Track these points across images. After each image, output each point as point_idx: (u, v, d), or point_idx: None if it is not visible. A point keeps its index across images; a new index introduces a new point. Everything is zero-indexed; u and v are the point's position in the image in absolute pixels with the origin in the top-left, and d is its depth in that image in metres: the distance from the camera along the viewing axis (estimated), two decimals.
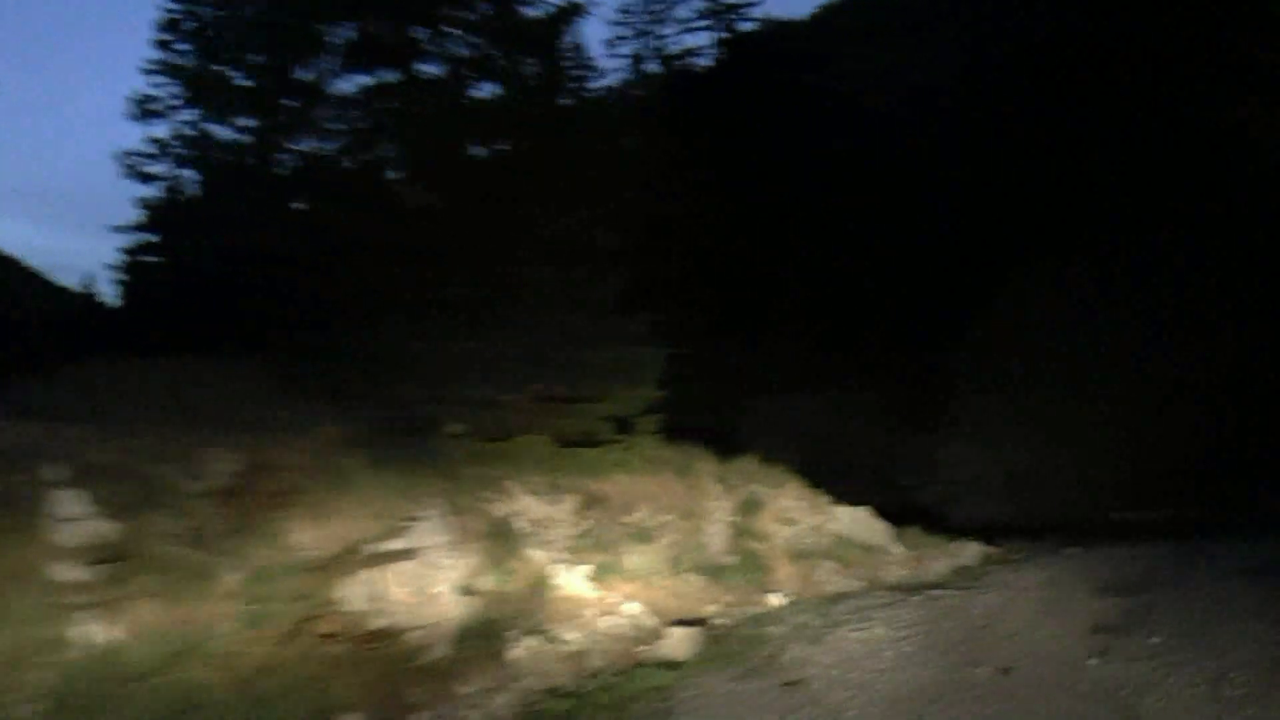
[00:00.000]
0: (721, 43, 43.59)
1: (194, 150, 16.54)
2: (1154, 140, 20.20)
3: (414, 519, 9.01)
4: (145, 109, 16.06)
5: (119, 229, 16.52)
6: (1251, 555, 12.34)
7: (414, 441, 10.32)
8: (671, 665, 9.56)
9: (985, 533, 17.25)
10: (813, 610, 11.34)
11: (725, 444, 14.11)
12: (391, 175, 13.03)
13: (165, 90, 15.31)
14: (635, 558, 11.67)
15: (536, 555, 11.01)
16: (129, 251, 17.03)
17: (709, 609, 11.32)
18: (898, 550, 14.12)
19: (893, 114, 30.47)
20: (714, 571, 12.01)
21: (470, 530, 9.96)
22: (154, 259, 17.50)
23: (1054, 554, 14.22)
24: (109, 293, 20.95)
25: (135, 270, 17.96)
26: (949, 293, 24.61)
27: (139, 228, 16.27)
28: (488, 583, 10.00)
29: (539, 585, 10.54)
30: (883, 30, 36.54)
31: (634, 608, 10.85)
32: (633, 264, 12.40)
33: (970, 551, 14.59)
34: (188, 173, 16.53)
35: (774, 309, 29.08)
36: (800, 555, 13.11)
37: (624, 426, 12.19)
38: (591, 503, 11.90)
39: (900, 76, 30.82)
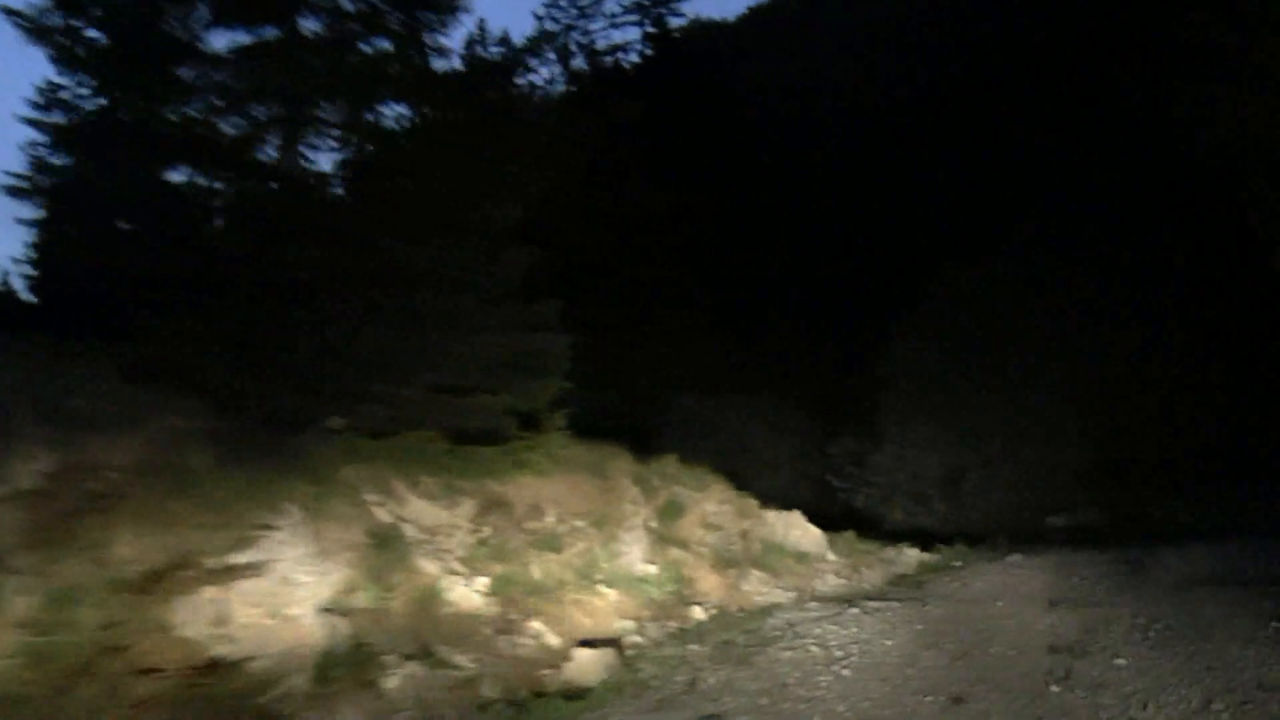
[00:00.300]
0: (648, 38, 42.87)
1: (65, 119, 14.92)
2: (1090, 130, 19.52)
3: (268, 527, 7.50)
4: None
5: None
6: (1204, 562, 11.45)
7: (280, 437, 8.80)
8: (577, 694, 8.22)
9: (922, 537, 16.27)
10: (740, 625, 10.11)
11: (646, 443, 12.86)
12: (271, 142, 11.43)
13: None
14: (541, 568, 10.28)
15: (426, 567, 9.57)
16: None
17: (624, 625, 9.99)
18: (832, 557, 12.99)
19: (819, 113, 29.87)
20: (631, 583, 10.69)
21: (342, 540, 8.48)
22: (43, 243, 16.11)
23: (996, 561, 13.23)
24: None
25: (35, 259, 16.70)
26: (881, 290, 23.77)
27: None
28: (363, 600, 8.54)
29: (427, 601, 9.10)
30: (809, 30, 36.10)
31: (538, 625, 9.48)
32: (542, 247, 10.98)
33: (908, 558, 13.54)
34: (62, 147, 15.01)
35: (702, 306, 28.04)
36: (727, 563, 11.87)
37: (529, 423, 10.81)
38: (492, 507, 10.50)
39: (826, 75, 30.31)
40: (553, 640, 9.28)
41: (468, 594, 9.47)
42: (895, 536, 15.77)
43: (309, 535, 7.89)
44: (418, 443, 9.98)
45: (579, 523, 10.92)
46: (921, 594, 11.20)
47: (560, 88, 46.63)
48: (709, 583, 11.44)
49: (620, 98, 41.57)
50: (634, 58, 44.94)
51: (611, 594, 10.36)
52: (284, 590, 7.43)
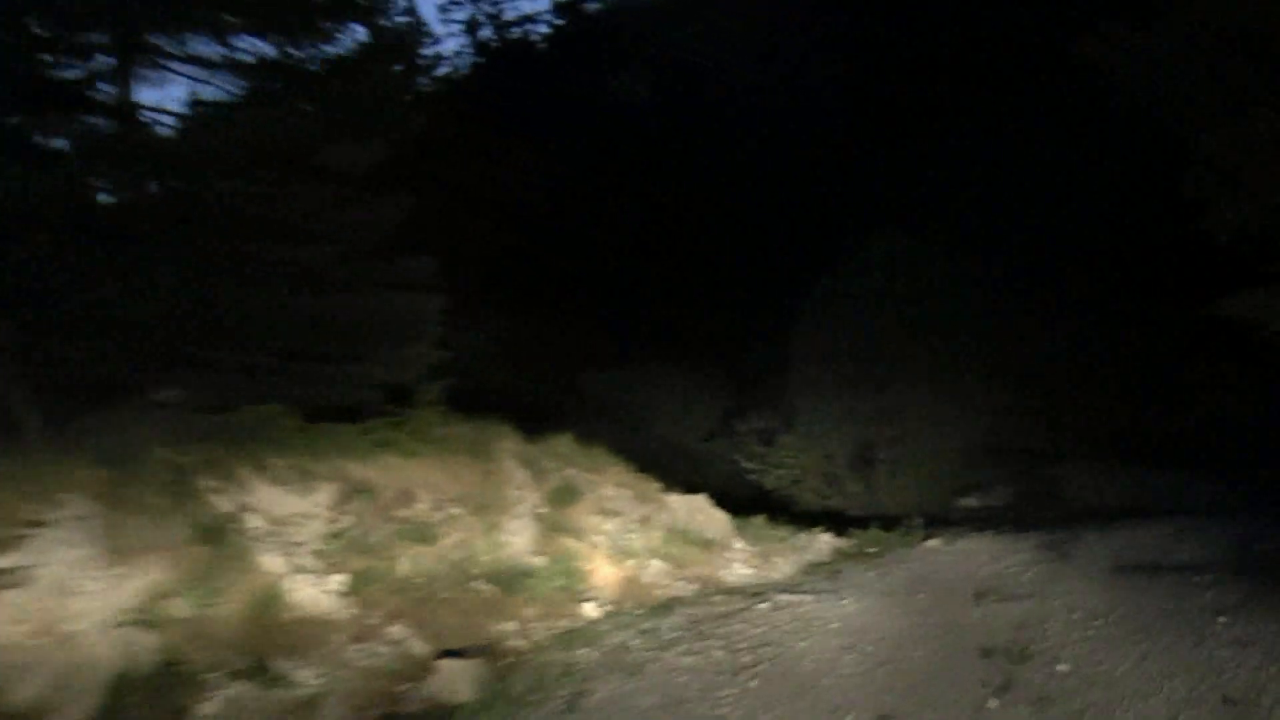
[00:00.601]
0: (557, 8, 41.43)
1: None
2: (1002, 93, 18.76)
3: (37, 524, 5.93)
4: None
5: None
6: (1131, 546, 10.67)
7: (77, 412, 7.19)
8: (438, 713, 6.90)
9: (835, 521, 15.33)
10: (637, 624, 8.88)
11: (537, 422, 11.52)
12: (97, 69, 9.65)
13: None
14: (410, 563, 8.87)
15: (270, 564, 8.07)
16: None
17: (504, 627, 8.66)
18: (739, 545, 11.86)
19: (731, 85, 28.94)
20: (514, 577, 9.35)
21: (152, 537, 6.94)
22: None
23: (913, 547, 12.29)
24: None
25: None
26: (792, 263, 22.85)
27: None
28: (181, 608, 7.02)
29: (266, 606, 7.62)
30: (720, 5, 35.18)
31: (401, 630, 8.10)
32: (416, 195, 9.48)
33: (820, 545, 12.52)
34: None
35: (603, 278, 26.80)
36: (625, 553, 10.62)
37: (400, 397, 9.35)
38: (354, 493, 9.03)
39: (736, 51, 29.42)
40: (417, 648, 7.91)
41: (318, 595, 8.03)
42: (807, 520, 14.78)
43: (98, 533, 6.33)
44: (266, 419, 8.43)
45: (456, 510, 9.53)
46: (837, 585, 10.15)
47: (469, 59, 44.97)
48: (604, 575, 10.17)
49: (528, 69, 40.22)
50: (544, 29, 43.59)
51: (492, 590, 9.01)
52: (59, 601, 5.88)
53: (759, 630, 8.44)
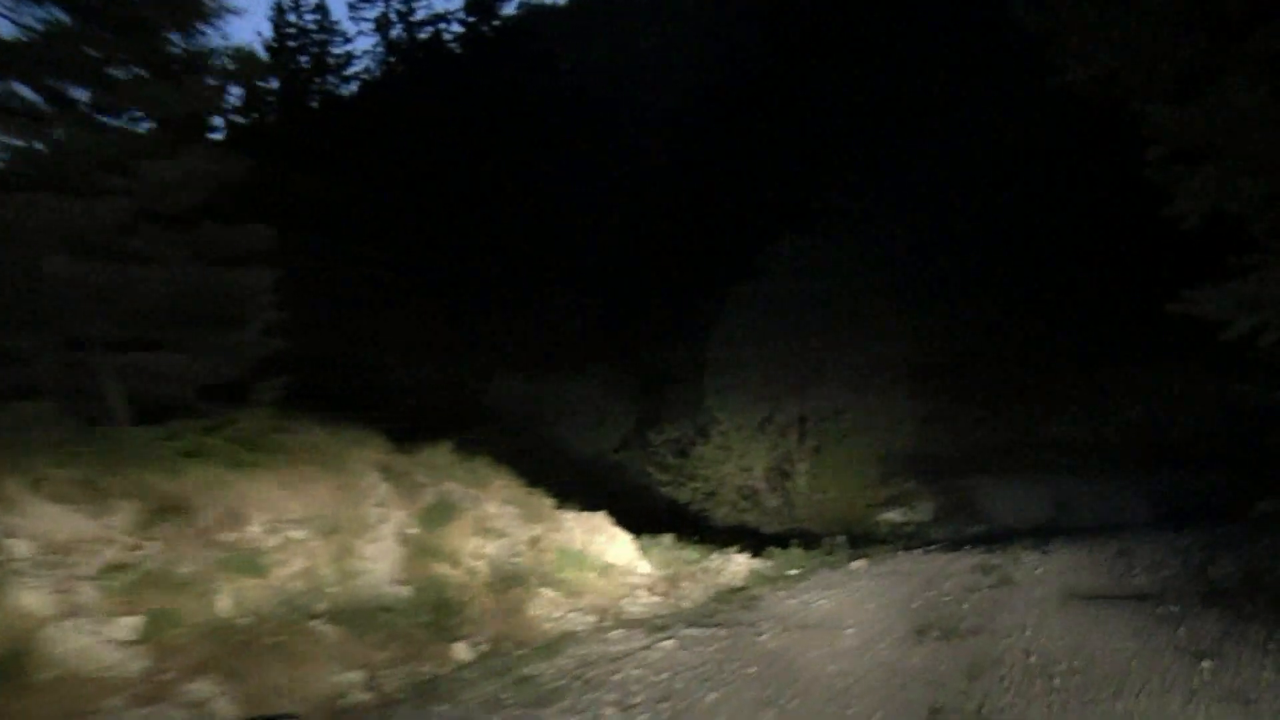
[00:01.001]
0: (469, 8, 40.09)
1: None
2: (939, 74, 17.75)
3: None
4: None
5: None
6: (1078, 569, 9.46)
7: None
8: None
9: (751, 539, 13.92)
10: (516, 669, 7.24)
11: (410, 428, 9.80)
12: None
13: None
14: (231, 600, 7.07)
15: (35, 604, 6.21)
16: None
17: (346, 678, 6.92)
18: (645, 569, 10.31)
19: (640, 91, 27.92)
20: (368, 614, 7.62)
21: None
22: None
23: (837, 569, 10.92)
24: None
25: None
26: (709, 269, 21.56)
27: None
28: None
29: (15, 662, 5.77)
30: (632, 15, 34.26)
31: (206, 688, 6.29)
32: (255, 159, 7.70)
33: (736, 567, 11.05)
34: None
35: (515, 280, 25.19)
36: (510, 581, 8.96)
37: (223, 395, 7.55)
38: (166, 513, 7.18)
39: (645, 61, 28.53)
40: (223, 710, 6.13)
41: (94, 645, 6.18)
42: (722, 538, 13.32)
43: None
44: (37, 419, 6.55)
45: (298, 533, 7.75)
46: (754, 616, 8.67)
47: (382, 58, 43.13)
48: (483, 607, 8.49)
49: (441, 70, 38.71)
50: (456, 27, 41.97)
51: (335, 632, 7.26)
52: None
53: (660, 678, 6.88)
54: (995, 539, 12.50)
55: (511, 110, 32.96)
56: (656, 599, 9.61)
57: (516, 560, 9.25)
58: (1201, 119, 7.83)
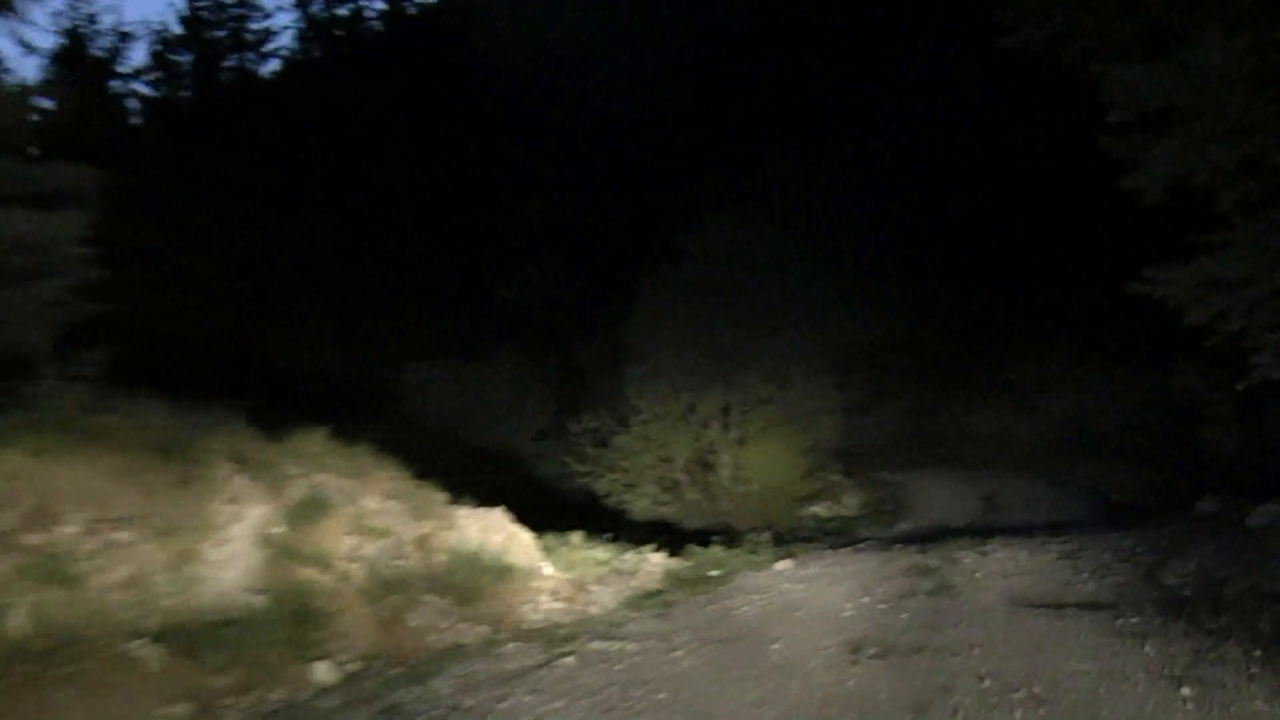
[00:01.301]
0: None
1: None
2: (861, 64, 16.86)
3: None
4: None
5: None
6: (1021, 573, 8.63)
7: None
8: None
9: (671, 536, 12.91)
10: (383, 697, 6.07)
11: (278, 413, 8.46)
12: None
13: None
14: (29, 617, 5.71)
15: None
16: None
17: (170, 712, 5.64)
18: (550, 571, 9.16)
19: (557, 79, 26.78)
20: (210, 632, 6.31)
21: None
22: None
23: (761, 569, 9.94)
24: None
25: None
26: (628, 248, 20.51)
27: None
28: None
29: None
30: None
31: None
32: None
33: (652, 567, 10.00)
34: None
35: (431, 261, 23.81)
36: (390, 587, 7.72)
37: (21, 369, 6.15)
38: None
39: (564, 42, 27.46)
40: None
41: None
42: (640, 534, 12.25)
43: None
44: None
45: (124, 534, 6.40)
46: (668, 627, 7.63)
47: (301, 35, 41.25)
48: (355, 618, 7.25)
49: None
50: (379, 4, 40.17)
51: (160, 654, 5.95)
52: None
53: (555, 706, 5.77)
54: (927, 537, 11.68)
55: (429, 90, 31.64)
56: (560, 605, 8.48)
57: (400, 563, 8.01)
58: (1170, 79, 6.98)
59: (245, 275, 14.77)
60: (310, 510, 7.66)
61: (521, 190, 25.36)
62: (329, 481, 8.00)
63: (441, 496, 8.88)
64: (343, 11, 40.32)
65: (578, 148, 23.44)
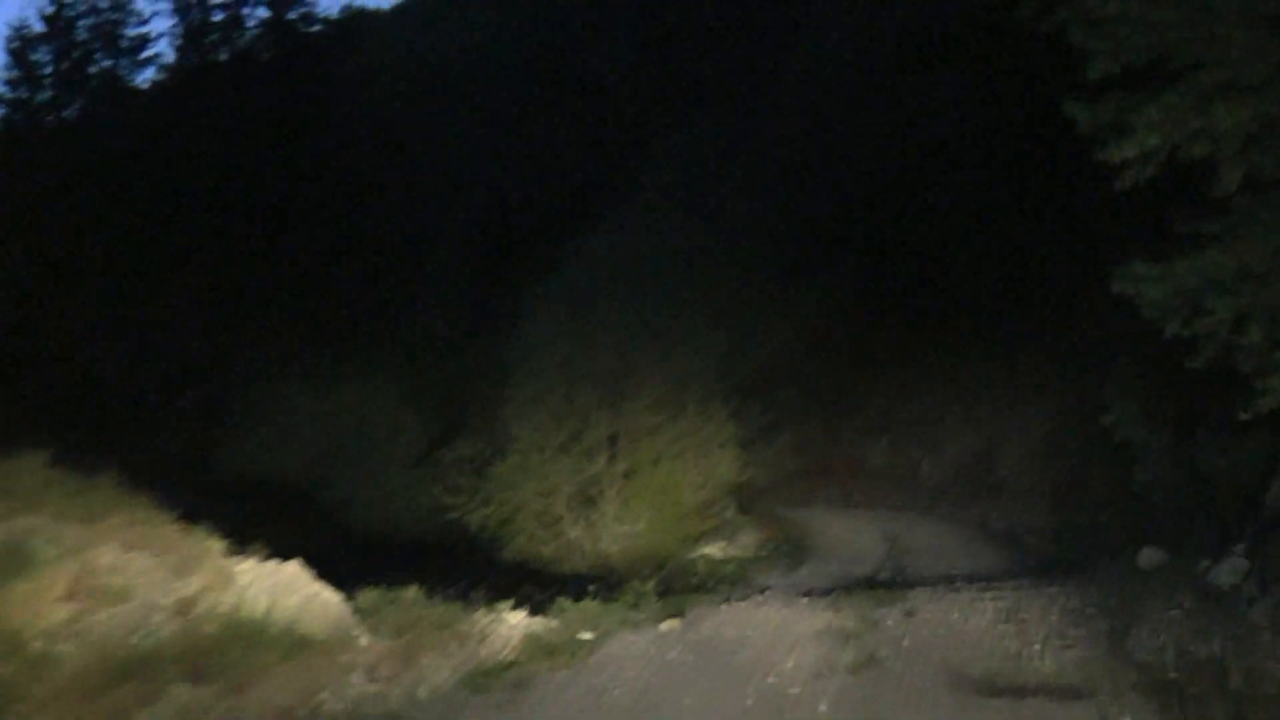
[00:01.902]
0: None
1: None
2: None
3: None
4: None
5: None
6: (955, 644, 6.82)
7: None
8: None
9: (537, 585, 10.74)
10: None
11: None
12: None
13: None
14: None
15: None
16: None
17: None
18: (366, 641, 6.89)
19: (446, 84, 24.99)
20: None
21: None
22: None
23: (642, 631, 7.88)
24: None
25: None
26: (503, 270, 18.52)
27: None
28: None
29: None
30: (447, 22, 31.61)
31: None
32: None
33: (507, 630, 7.80)
34: None
35: (302, 275, 21.31)
36: (126, 673, 5.37)
37: None
38: None
39: (445, 59, 25.87)
40: None
41: None
42: (501, 587, 9.98)
43: None
44: None
45: None
46: (516, 717, 5.51)
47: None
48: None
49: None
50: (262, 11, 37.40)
51: None
52: None
53: None
54: (835, 588, 9.84)
55: (308, 104, 29.41)
56: (374, 688, 6.23)
57: (148, 637, 5.66)
58: (1172, 18, 5.36)
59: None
60: (5, 566, 5.26)
61: (399, 202, 23.13)
62: (43, 526, 5.60)
63: (217, 546, 6.53)
64: (217, 17, 37.39)
65: (461, 154, 21.37)
